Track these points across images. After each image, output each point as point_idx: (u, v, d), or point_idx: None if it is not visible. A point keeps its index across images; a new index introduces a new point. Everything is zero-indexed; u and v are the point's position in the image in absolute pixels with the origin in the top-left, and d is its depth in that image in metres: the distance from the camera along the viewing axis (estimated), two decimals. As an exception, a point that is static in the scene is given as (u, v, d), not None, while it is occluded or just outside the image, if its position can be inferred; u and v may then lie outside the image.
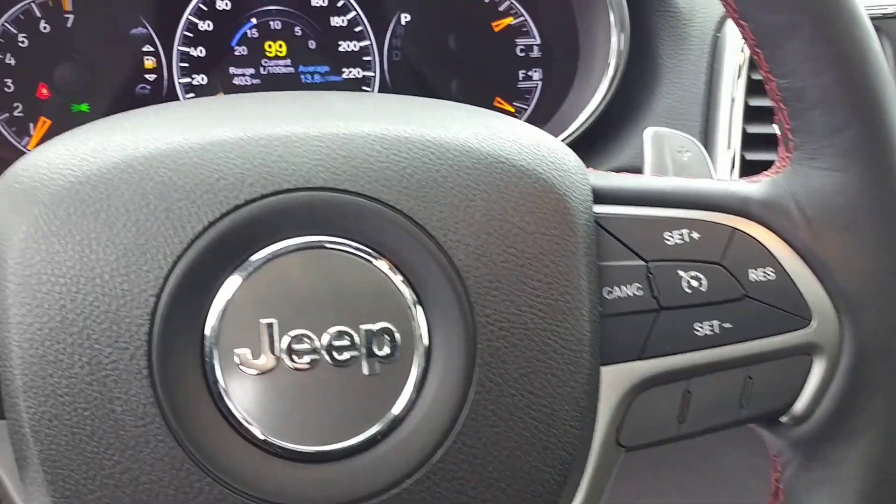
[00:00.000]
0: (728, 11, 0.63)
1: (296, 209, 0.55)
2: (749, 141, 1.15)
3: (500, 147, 0.61)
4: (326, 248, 0.56)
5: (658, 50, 1.18)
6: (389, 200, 0.56)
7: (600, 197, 0.63)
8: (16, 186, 0.56)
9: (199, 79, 1.22)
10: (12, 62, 1.17)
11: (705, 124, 1.17)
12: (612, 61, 1.17)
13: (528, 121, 1.29)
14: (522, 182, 0.60)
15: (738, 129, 1.15)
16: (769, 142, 1.14)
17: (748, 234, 0.65)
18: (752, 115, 1.15)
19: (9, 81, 1.18)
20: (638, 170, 1.20)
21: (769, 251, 0.65)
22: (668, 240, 0.64)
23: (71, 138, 0.60)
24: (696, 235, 0.65)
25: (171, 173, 0.54)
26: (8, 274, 0.52)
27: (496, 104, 1.30)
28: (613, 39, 1.16)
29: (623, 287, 0.62)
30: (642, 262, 0.63)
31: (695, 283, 0.64)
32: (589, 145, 1.21)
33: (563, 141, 1.19)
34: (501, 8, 1.28)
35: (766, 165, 1.17)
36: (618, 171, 1.19)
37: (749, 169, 1.15)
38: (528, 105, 1.30)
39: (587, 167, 0.64)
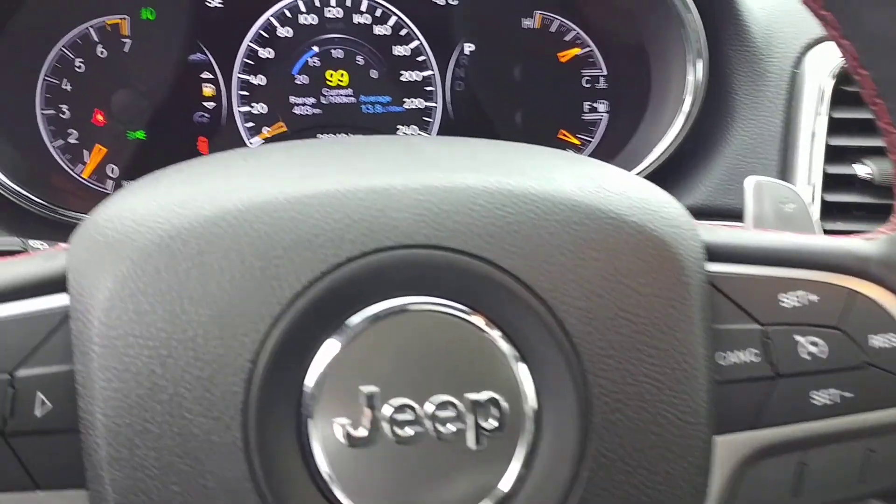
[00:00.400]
0: (846, 59, 0.59)
1: (397, 268, 0.51)
2: (829, 182, 1.10)
3: (608, 200, 0.56)
4: (429, 310, 0.51)
5: (733, 85, 1.14)
6: (496, 259, 0.52)
7: (712, 253, 0.58)
8: (98, 240, 0.52)
9: (259, 107, 1.19)
10: (68, 88, 1.15)
11: (783, 163, 1.12)
12: (688, 97, 1.12)
13: (594, 154, 1.25)
14: (634, 239, 0.55)
15: (818, 169, 1.10)
16: (850, 183, 1.09)
17: (868, 297, 0.61)
18: (832, 154, 1.10)
19: (64, 107, 1.15)
20: (713, 210, 1.17)
21: (891, 315, 0.60)
22: (784, 302, 0.60)
23: (155, 186, 0.56)
24: (813, 297, 0.60)
25: (267, 227, 0.50)
26: (93, 335, 0.48)
27: (560, 137, 1.25)
28: (690, 74, 1.12)
29: (738, 352, 0.58)
30: (758, 326, 0.59)
31: (813, 349, 0.59)
32: (659, 183, 1.16)
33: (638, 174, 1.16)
34: (567, 38, 1.24)
35: (846, 208, 1.14)
36: (692, 211, 1.15)
37: (829, 211, 1.10)
38: (593, 138, 1.26)
39: None
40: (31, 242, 0.85)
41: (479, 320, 0.52)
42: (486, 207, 0.53)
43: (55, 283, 0.52)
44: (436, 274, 0.52)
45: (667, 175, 1.16)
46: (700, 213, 1.13)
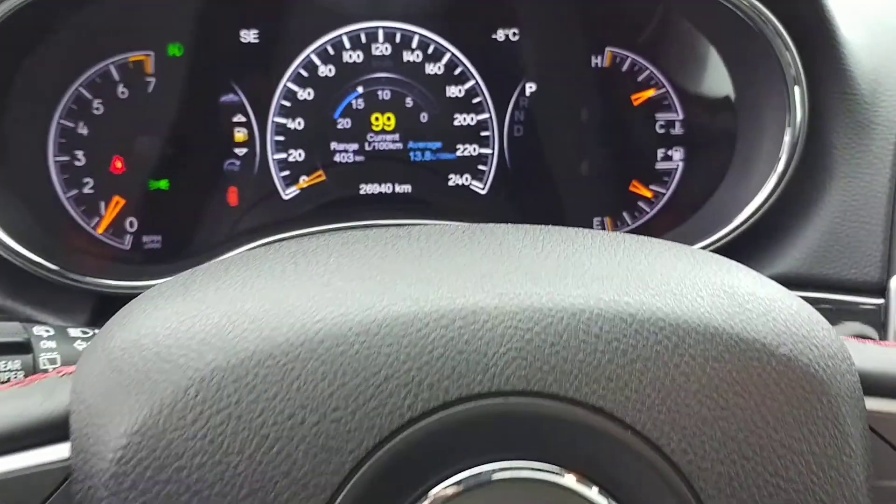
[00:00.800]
0: None
1: (490, 422, 0.41)
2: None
3: (750, 325, 0.45)
4: (530, 478, 0.42)
5: (832, 137, 1.00)
6: (618, 413, 0.42)
7: (867, 385, 0.47)
8: (110, 376, 0.41)
9: (296, 154, 1.06)
10: (84, 132, 1.02)
11: (890, 228, 0.99)
12: (784, 156, 0.99)
13: (667, 208, 1.12)
14: (784, 378, 0.45)
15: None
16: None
17: None
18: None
19: (80, 153, 1.03)
20: (806, 280, 1.04)
21: None
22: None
23: (183, 302, 0.44)
24: None
25: (323, 367, 0.40)
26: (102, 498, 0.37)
27: (632, 189, 1.12)
28: (787, 132, 0.99)
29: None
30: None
31: None
32: (744, 246, 1.03)
33: (718, 243, 1.02)
34: (640, 78, 1.11)
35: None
36: (782, 279, 1.02)
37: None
38: (667, 189, 1.13)
39: None
40: (35, 329, 0.72)
41: (588, 488, 0.42)
42: (601, 339, 0.43)
43: (54, 429, 0.42)
44: (540, 431, 0.42)
45: (753, 237, 1.03)
46: (791, 282, 0.99)
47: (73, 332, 0.75)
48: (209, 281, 0.49)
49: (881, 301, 0.98)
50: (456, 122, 1.09)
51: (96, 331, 0.74)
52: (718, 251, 1.02)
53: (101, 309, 0.96)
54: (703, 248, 1.03)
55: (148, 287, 0.95)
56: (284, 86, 1.05)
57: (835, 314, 0.98)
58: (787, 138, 0.99)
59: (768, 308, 0.48)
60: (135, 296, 0.96)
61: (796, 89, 0.98)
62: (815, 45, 0.99)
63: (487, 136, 1.10)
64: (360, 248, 0.52)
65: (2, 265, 0.91)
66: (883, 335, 0.98)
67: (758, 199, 1.01)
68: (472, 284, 0.46)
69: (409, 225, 1.00)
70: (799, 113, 0.98)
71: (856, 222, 0.99)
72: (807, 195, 1.01)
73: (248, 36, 1.04)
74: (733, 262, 0.55)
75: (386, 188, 1.09)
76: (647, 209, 1.13)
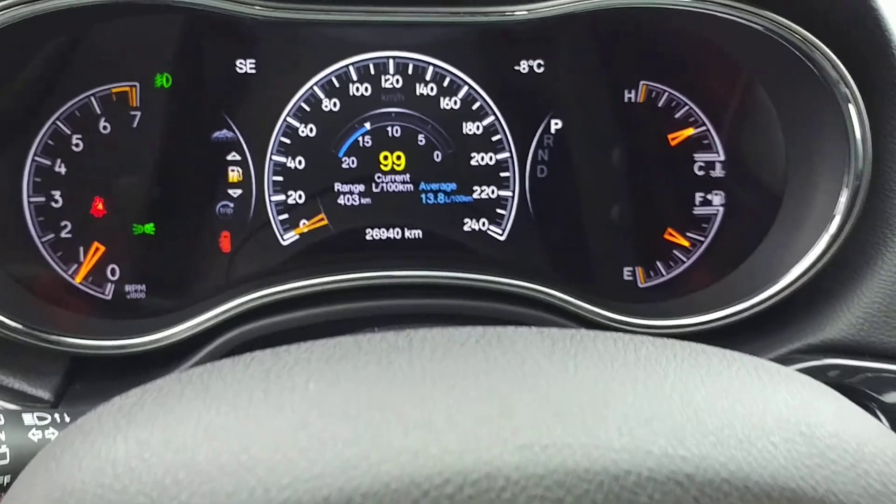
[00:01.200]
0: None
1: None
2: None
3: (838, 485, 0.37)
4: None
5: (892, 187, 0.89)
6: None
7: None
8: None
9: (296, 196, 0.96)
10: (62, 170, 0.93)
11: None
12: (842, 208, 0.88)
13: (705, 259, 1.01)
14: None
15: None
16: None
17: None
18: None
19: (56, 194, 0.93)
20: (860, 348, 0.93)
21: None
22: None
23: (123, 443, 0.37)
24: None
25: None
26: None
27: (667, 237, 1.01)
28: (845, 188, 0.88)
29: None
30: None
31: None
32: (790, 308, 0.92)
33: (762, 305, 0.92)
34: (678, 115, 1.01)
35: None
36: (832, 346, 0.91)
37: None
38: (706, 237, 1.02)
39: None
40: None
41: None
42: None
43: None
44: None
45: (801, 298, 0.92)
46: (843, 350, 0.89)
47: (28, 418, 0.65)
48: (155, 412, 0.40)
49: (951, 374, 0.87)
50: (473, 162, 0.99)
51: (56, 415, 0.65)
52: (763, 314, 0.91)
53: (76, 371, 0.87)
54: (746, 309, 0.92)
55: (127, 348, 0.87)
56: (284, 121, 0.95)
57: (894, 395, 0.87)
58: (845, 190, 0.88)
59: (858, 457, 0.38)
60: (112, 357, 0.87)
61: (858, 137, 0.87)
62: (878, 87, 0.87)
63: (507, 178, 0.99)
64: (346, 369, 0.42)
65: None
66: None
67: (809, 257, 0.90)
68: (486, 430, 0.36)
69: (415, 290, 0.91)
70: (860, 162, 0.87)
71: (917, 290, 0.88)
72: (864, 251, 0.90)
73: (245, 66, 0.94)
74: (805, 380, 0.45)
75: (394, 233, 0.98)
76: (684, 259, 1.02)
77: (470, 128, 0.98)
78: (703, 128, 1.01)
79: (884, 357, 0.89)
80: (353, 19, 0.89)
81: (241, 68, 0.94)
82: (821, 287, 0.91)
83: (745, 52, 0.94)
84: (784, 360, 0.90)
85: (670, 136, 1.00)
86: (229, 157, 0.95)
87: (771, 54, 0.89)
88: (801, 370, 0.88)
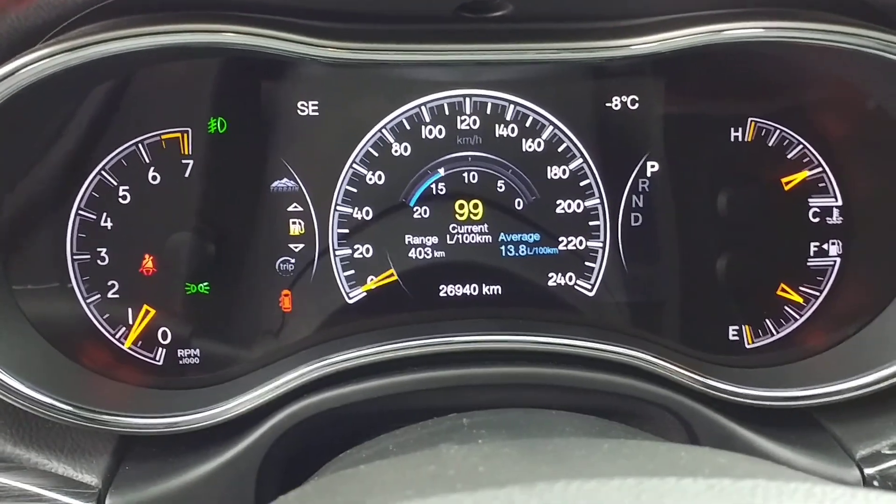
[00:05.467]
0: None
1: None
2: None
3: None
4: None
5: None
6: None
7: None
8: None
9: (363, 250, 0.87)
10: (108, 225, 0.85)
11: None
12: None
13: (820, 316, 0.89)
14: None
15: None
16: None
17: None
18: None
19: (103, 251, 0.85)
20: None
21: None
22: None
23: None
24: None
25: None
26: None
27: (780, 294, 0.90)
28: None
29: None
30: None
31: None
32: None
33: (890, 380, 0.80)
34: (791, 155, 0.89)
35: None
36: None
37: None
38: (821, 291, 0.91)
39: None
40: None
41: None
42: None
43: None
44: None
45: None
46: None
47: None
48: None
49: None
50: (558, 210, 0.88)
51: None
52: (890, 389, 0.80)
53: (124, 450, 0.79)
54: (874, 382, 0.80)
55: (180, 425, 0.79)
56: (350, 168, 0.86)
57: None
58: None
59: None
60: (161, 437, 0.79)
61: None
62: None
63: (597, 227, 0.89)
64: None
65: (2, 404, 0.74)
66: None
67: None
68: None
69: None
70: None
71: None
72: None
73: (307, 108, 0.85)
74: None
75: (471, 289, 0.89)
76: (796, 316, 0.91)
77: (555, 172, 0.88)
78: (819, 169, 0.89)
79: None
80: (437, 59, 0.78)
81: (302, 111, 0.85)
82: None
83: (872, 80, 0.82)
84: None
85: (783, 180, 0.89)
86: (290, 209, 0.86)
87: None
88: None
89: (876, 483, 0.76)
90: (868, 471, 0.77)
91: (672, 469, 0.44)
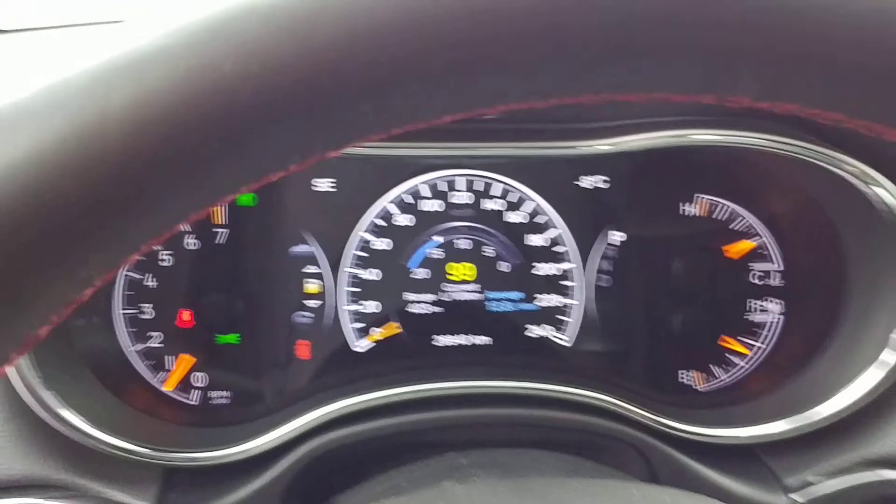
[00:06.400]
0: None
1: None
2: None
3: None
4: None
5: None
6: None
7: None
8: None
9: (370, 306, 1.01)
10: (153, 284, 0.98)
11: None
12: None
13: (766, 366, 1.04)
14: None
15: None
16: None
17: None
18: None
19: (147, 307, 0.99)
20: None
21: None
22: None
23: None
24: None
25: None
26: None
27: (722, 343, 1.05)
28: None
29: None
30: None
31: None
32: (845, 421, 0.95)
33: (823, 423, 0.94)
34: (736, 226, 1.04)
35: None
36: (886, 461, 0.94)
37: None
38: (765, 343, 1.05)
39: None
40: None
41: None
42: None
43: None
44: None
45: (859, 411, 0.94)
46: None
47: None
48: None
49: None
50: (538, 272, 1.03)
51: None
52: (823, 430, 0.94)
53: (171, 480, 0.92)
54: (810, 425, 0.94)
55: (217, 459, 0.92)
56: (360, 236, 1.00)
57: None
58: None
59: None
60: (203, 469, 0.92)
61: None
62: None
63: (571, 287, 1.03)
64: None
65: (65, 441, 0.87)
66: None
67: (875, 375, 0.92)
68: None
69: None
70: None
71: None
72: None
73: (323, 185, 0.99)
74: None
75: (463, 340, 1.03)
76: (744, 364, 1.05)
77: (535, 240, 1.03)
78: (761, 239, 1.04)
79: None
80: (433, 154, 0.94)
81: (318, 187, 0.99)
82: (880, 399, 0.94)
83: (809, 181, 0.97)
84: (841, 472, 0.93)
85: (729, 248, 1.04)
86: (306, 270, 1.00)
87: (836, 185, 0.91)
88: (860, 484, 0.91)
89: (802, 509, 0.91)
90: (795, 498, 0.91)
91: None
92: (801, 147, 0.90)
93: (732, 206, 1.04)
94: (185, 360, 0.99)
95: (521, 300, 1.03)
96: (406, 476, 0.81)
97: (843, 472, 0.92)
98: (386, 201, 1.00)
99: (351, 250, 1.00)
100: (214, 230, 0.99)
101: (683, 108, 0.94)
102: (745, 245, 1.04)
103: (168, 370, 1.00)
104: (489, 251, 1.02)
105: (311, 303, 1.01)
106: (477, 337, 1.03)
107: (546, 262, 1.03)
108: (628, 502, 0.58)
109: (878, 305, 0.94)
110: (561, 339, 1.04)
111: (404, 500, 0.64)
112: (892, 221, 0.89)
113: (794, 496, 0.91)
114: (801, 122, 0.91)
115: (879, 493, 0.91)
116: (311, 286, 1.01)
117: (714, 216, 1.04)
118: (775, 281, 1.05)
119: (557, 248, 1.03)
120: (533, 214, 1.02)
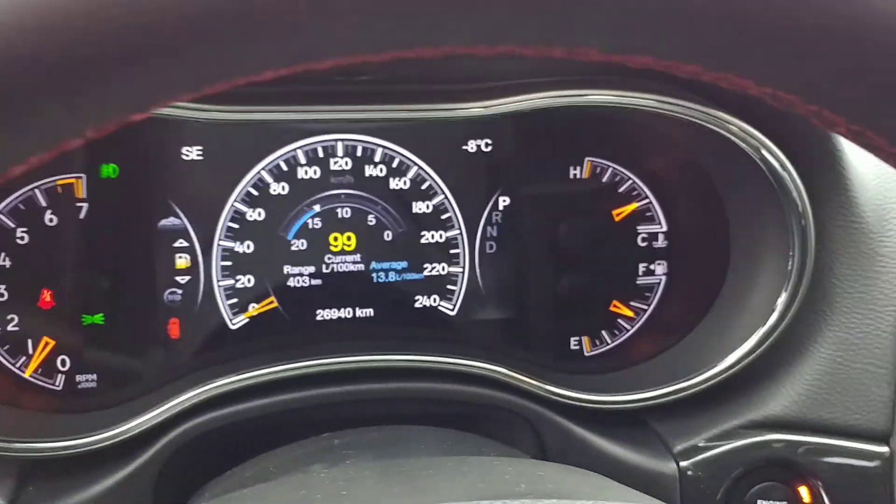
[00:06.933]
0: None
1: None
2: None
3: None
4: None
5: (835, 268, 0.92)
6: None
7: None
8: None
9: (245, 280, 0.96)
10: (7, 263, 0.91)
11: None
12: (787, 288, 0.90)
13: (649, 328, 1.03)
14: None
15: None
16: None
17: None
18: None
19: (2, 288, 0.92)
20: (802, 424, 0.96)
21: None
22: None
23: None
24: None
25: None
26: None
27: (612, 308, 1.04)
28: (791, 261, 0.90)
29: None
30: None
31: None
32: (732, 386, 0.95)
33: (706, 384, 0.94)
34: (622, 189, 1.02)
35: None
36: (774, 423, 0.94)
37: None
38: (648, 305, 1.04)
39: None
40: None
41: None
42: None
43: None
44: None
45: (745, 374, 0.95)
46: (784, 425, 0.92)
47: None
48: None
49: (886, 450, 0.91)
50: (423, 240, 0.99)
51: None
52: (706, 392, 0.94)
53: (29, 475, 0.86)
54: (689, 388, 0.94)
55: (80, 447, 0.86)
56: (232, 206, 0.95)
57: (837, 470, 0.91)
58: (790, 271, 0.90)
59: None
60: (66, 458, 0.87)
61: (801, 220, 0.89)
62: (818, 170, 0.90)
63: (457, 254, 1.00)
64: None
65: None
66: (889, 490, 0.90)
67: (749, 342, 0.92)
68: None
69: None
70: (804, 255, 0.90)
71: (859, 363, 0.91)
72: (805, 330, 0.93)
73: (191, 153, 0.93)
74: None
75: (346, 313, 0.99)
76: (628, 328, 1.05)
77: (420, 207, 0.99)
78: (647, 201, 1.03)
79: (822, 432, 0.92)
80: (309, 118, 0.89)
81: (186, 156, 0.93)
82: (763, 363, 0.94)
83: (694, 143, 0.96)
84: (727, 436, 0.93)
85: (615, 211, 1.02)
86: (176, 245, 0.94)
87: (719, 147, 0.90)
88: (747, 445, 0.91)
89: (690, 473, 0.91)
90: (683, 463, 0.91)
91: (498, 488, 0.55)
92: (682, 107, 0.89)
93: (619, 168, 1.02)
94: (47, 344, 0.93)
95: (407, 270, 1.00)
96: (275, 460, 0.78)
97: (730, 435, 0.92)
98: (260, 169, 0.95)
99: (223, 222, 0.95)
100: (75, 205, 0.92)
101: (560, 69, 0.91)
102: (632, 207, 1.02)
103: (29, 355, 0.93)
104: (372, 220, 0.98)
105: (182, 279, 0.95)
106: (361, 309, 0.99)
107: (432, 229, 1.00)
108: (500, 480, 0.56)
109: (760, 269, 0.94)
110: (448, 308, 1.01)
111: (268, 486, 0.61)
112: (774, 183, 0.89)
113: (681, 461, 0.91)
114: (680, 81, 0.89)
115: (765, 456, 0.92)
116: (182, 261, 0.95)
117: (602, 179, 1.02)
118: (660, 243, 1.04)
119: (443, 215, 0.99)
120: (417, 181, 0.98)
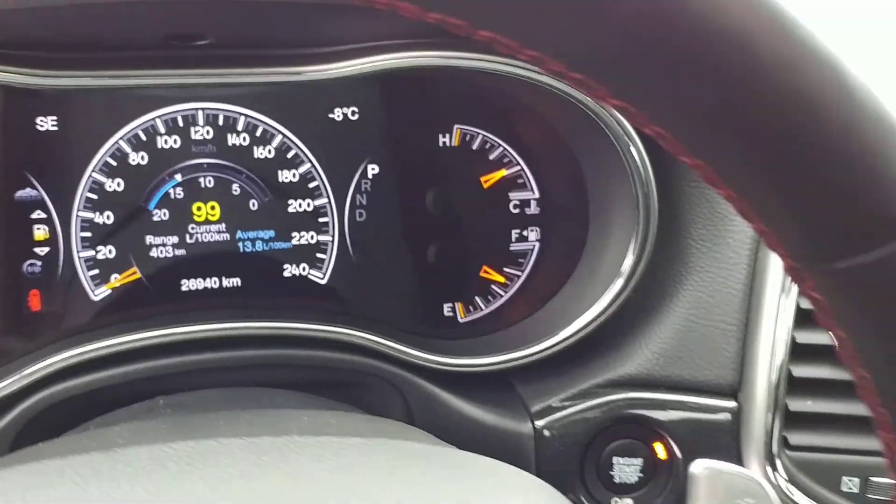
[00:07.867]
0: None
1: None
2: (798, 352, 0.92)
3: None
4: None
5: (690, 229, 0.94)
6: None
7: None
8: None
9: (106, 251, 0.95)
10: None
11: (744, 327, 0.93)
12: (635, 250, 0.92)
13: (522, 293, 1.04)
14: None
15: (784, 335, 0.92)
16: (822, 353, 0.91)
17: None
18: (803, 319, 0.92)
19: None
20: (657, 381, 0.98)
21: None
22: None
23: None
24: None
25: None
26: None
27: (483, 275, 1.05)
28: (639, 221, 0.92)
29: None
30: None
31: None
32: (592, 347, 0.97)
33: (563, 343, 0.96)
34: (492, 157, 1.03)
35: (816, 384, 0.95)
36: (632, 381, 0.96)
37: (797, 387, 0.91)
38: (522, 271, 1.06)
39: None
40: None
41: None
42: None
43: None
44: None
45: (607, 334, 0.96)
46: (642, 384, 0.94)
47: None
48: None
49: (734, 404, 0.93)
50: (290, 209, 0.99)
51: None
52: (569, 350, 0.96)
53: None
54: (546, 349, 0.96)
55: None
56: (90, 177, 0.94)
57: (688, 425, 0.93)
58: (634, 237, 0.92)
59: None
60: None
61: (644, 186, 0.91)
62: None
63: (326, 223, 1.00)
64: None
65: None
66: (736, 442, 0.93)
67: (604, 300, 0.94)
68: None
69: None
70: (648, 211, 0.92)
71: (709, 322, 0.94)
72: (661, 290, 0.95)
73: (46, 123, 0.92)
74: None
75: (212, 283, 0.99)
76: (502, 293, 1.06)
77: (286, 176, 0.99)
78: (517, 168, 1.04)
79: (676, 389, 0.95)
80: (147, 83, 0.88)
81: (41, 126, 0.92)
82: (621, 324, 0.96)
83: (551, 110, 0.97)
84: (583, 395, 0.94)
85: (485, 178, 1.03)
86: (34, 216, 0.93)
87: (573, 114, 0.91)
88: (602, 404, 0.93)
89: (546, 433, 0.92)
90: (539, 423, 0.92)
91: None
92: (539, 73, 0.90)
93: (489, 136, 1.03)
94: None
95: (273, 238, 1.00)
96: (99, 422, 0.78)
97: (586, 395, 0.94)
98: (117, 138, 0.94)
99: (82, 193, 0.94)
100: (-76, 175, 0.91)
101: (416, 31, 0.91)
102: (501, 173, 1.03)
103: None
104: (236, 189, 0.98)
105: (41, 250, 0.94)
106: (227, 279, 0.99)
107: (299, 198, 0.99)
108: (287, 423, 0.56)
109: (612, 233, 0.96)
110: (317, 276, 1.01)
111: (56, 445, 0.60)
112: (619, 148, 0.90)
113: (537, 421, 0.92)
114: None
115: (619, 414, 0.94)
116: (40, 233, 0.94)
117: (472, 146, 1.03)
118: (533, 209, 1.05)
119: (310, 184, 0.99)
120: (283, 149, 0.98)
